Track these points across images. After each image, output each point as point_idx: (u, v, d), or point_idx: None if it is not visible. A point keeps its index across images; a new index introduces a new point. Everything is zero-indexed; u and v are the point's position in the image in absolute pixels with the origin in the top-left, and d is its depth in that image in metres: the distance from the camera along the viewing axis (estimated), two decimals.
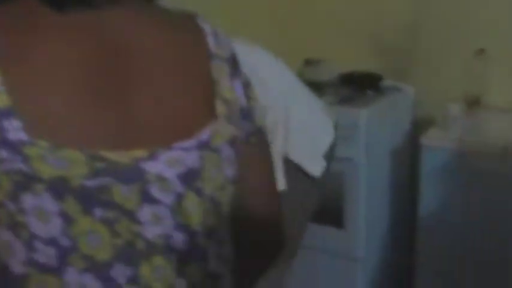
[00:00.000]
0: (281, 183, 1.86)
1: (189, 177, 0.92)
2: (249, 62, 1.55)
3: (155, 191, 0.90)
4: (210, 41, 1.01)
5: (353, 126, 2.68)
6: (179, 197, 0.92)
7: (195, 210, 0.93)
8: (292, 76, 2.13)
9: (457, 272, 2.61)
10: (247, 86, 1.05)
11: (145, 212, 0.90)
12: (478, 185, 2.49)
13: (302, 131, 1.98)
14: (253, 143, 1.05)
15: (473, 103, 2.77)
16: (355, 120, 2.69)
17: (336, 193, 2.79)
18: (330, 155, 2.09)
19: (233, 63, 1.04)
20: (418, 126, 2.95)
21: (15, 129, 0.83)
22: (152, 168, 0.90)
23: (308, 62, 3.08)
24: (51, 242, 0.86)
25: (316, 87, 2.86)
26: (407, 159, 3.08)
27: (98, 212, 0.87)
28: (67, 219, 0.86)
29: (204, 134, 0.94)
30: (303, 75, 2.99)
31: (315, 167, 2.00)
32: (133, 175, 0.89)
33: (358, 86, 2.92)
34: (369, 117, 2.72)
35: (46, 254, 0.86)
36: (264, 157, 1.10)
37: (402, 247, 3.13)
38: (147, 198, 0.90)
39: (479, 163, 2.45)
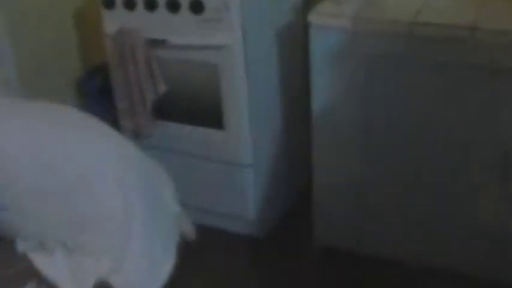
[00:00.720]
0: None
1: None
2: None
3: None
4: None
5: (223, 5, 2.36)
6: None
7: None
8: (129, 172, 1.79)
9: (357, 170, 2.47)
10: None
11: None
12: (379, 70, 2.28)
13: (135, 257, 1.77)
14: None
15: None
16: None
17: (212, 88, 2.51)
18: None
19: None
20: (309, 1, 2.66)
21: None
22: None
23: None
24: None
25: None
26: (297, 43, 2.80)
27: None
28: None
29: None
30: None
31: None
32: None
33: None
34: None
35: None
36: None
37: (296, 148, 2.94)
38: None
39: (381, 44, 2.24)
